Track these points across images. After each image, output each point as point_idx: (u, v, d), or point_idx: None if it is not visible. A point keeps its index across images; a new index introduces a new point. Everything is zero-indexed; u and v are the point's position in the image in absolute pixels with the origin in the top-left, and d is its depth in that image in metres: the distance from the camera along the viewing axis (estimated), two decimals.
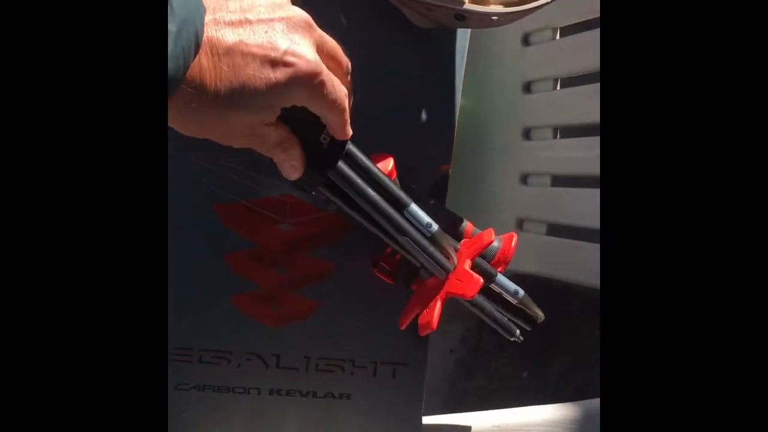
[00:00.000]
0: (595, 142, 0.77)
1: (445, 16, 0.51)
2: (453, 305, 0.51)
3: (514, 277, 0.55)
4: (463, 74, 0.58)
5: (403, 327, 0.52)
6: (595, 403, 0.63)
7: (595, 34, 0.76)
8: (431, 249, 0.48)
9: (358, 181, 0.45)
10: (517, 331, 0.52)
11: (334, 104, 0.40)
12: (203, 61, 0.35)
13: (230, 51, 0.35)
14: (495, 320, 0.51)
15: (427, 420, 0.59)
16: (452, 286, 0.49)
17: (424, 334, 0.50)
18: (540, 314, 0.54)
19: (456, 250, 0.51)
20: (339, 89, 0.40)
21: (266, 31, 0.37)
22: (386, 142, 0.55)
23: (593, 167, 0.77)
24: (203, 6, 0.35)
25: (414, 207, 0.47)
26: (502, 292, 0.52)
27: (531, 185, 0.85)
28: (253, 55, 0.36)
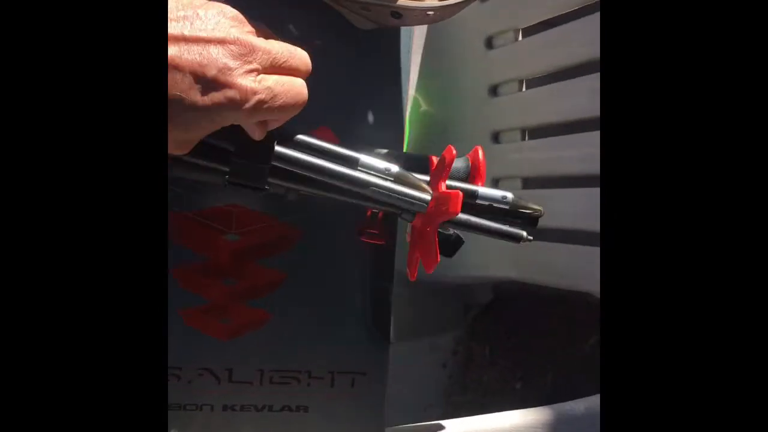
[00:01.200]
0: (563, 141, 0.76)
1: (382, 14, 0.51)
2: (441, 318, 0.49)
3: (494, 284, 0.53)
4: (410, 73, 0.58)
5: (413, 278, 0.50)
6: (565, 406, 0.61)
7: (557, 33, 0.76)
8: (400, 188, 0.46)
9: (302, 156, 0.44)
10: (524, 233, 0.50)
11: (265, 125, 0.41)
12: None
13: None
14: (493, 231, 0.49)
15: (390, 431, 0.57)
16: (438, 213, 0.47)
17: (431, 270, 0.48)
18: (539, 208, 0.51)
19: (427, 183, 0.49)
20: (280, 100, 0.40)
21: (200, 53, 0.36)
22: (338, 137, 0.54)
23: (563, 167, 0.76)
24: None
25: (365, 158, 0.46)
26: (490, 204, 0.50)
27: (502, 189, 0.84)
28: (183, 74, 0.35)
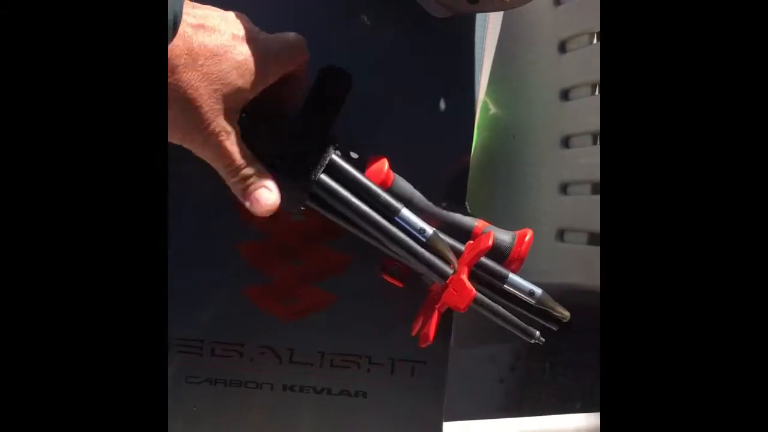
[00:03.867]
0: None
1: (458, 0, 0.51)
2: (502, 329, 0.49)
3: (557, 288, 0.52)
4: (482, 64, 0.57)
5: (414, 333, 0.50)
6: None
7: None
8: (426, 256, 0.46)
9: (343, 192, 0.44)
10: (537, 333, 0.49)
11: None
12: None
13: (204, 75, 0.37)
14: (507, 321, 0.49)
15: (448, 426, 0.56)
16: (448, 296, 0.46)
17: (422, 346, 0.48)
18: (565, 313, 0.50)
19: (459, 254, 0.48)
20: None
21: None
22: (404, 136, 0.54)
23: None
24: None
25: (405, 212, 0.46)
26: (516, 293, 0.49)
27: (571, 194, 0.82)
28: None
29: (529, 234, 0.51)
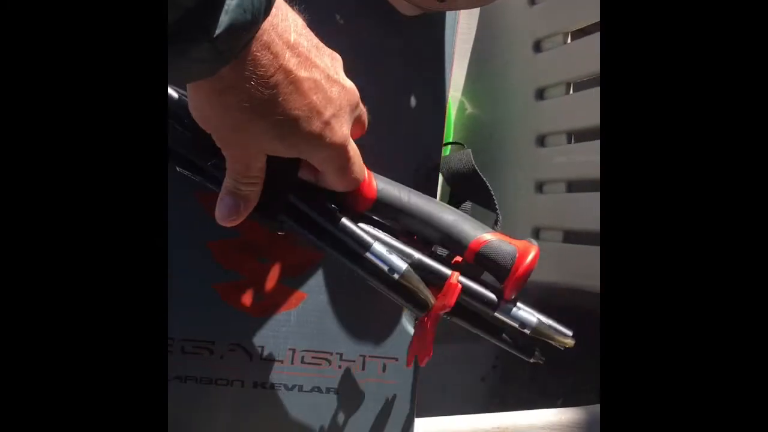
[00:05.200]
0: None
1: None
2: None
3: (534, 287, 0.49)
4: (453, 61, 0.58)
5: (410, 365, 0.51)
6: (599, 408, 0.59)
7: None
8: (400, 292, 0.45)
9: (308, 235, 0.45)
10: (536, 352, 0.48)
11: (345, 177, 0.42)
12: (278, 49, 0.34)
13: (303, 77, 0.35)
14: (504, 341, 0.47)
15: (420, 422, 0.56)
16: (437, 307, 0.45)
17: (423, 364, 0.47)
18: (568, 342, 0.46)
19: (438, 288, 0.45)
20: (357, 167, 0.42)
21: (330, 89, 0.38)
22: (375, 134, 0.54)
23: None
24: None
25: (377, 248, 0.43)
26: (507, 321, 0.46)
27: (546, 193, 0.83)
28: (308, 100, 0.36)
29: (532, 253, 0.45)
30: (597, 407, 0.59)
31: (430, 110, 0.57)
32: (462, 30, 0.92)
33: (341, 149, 0.40)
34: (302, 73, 0.35)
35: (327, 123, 0.38)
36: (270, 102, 0.35)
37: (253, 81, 0.33)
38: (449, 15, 0.57)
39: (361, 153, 0.44)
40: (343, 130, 0.39)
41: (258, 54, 0.33)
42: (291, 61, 0.34)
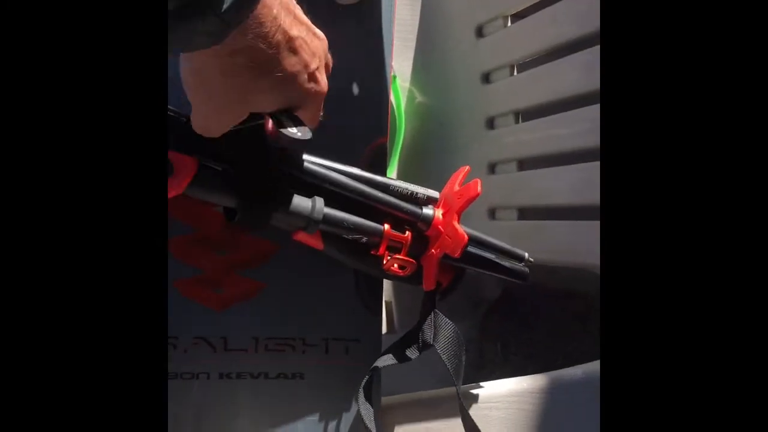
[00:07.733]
0: (556, 120, 0.76)
1: None
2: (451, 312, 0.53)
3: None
4: (392, 46, 0.59)
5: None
6: (563, 372, 0.60)
7: (546, 14, 0.76)
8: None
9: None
10: (525, 256, 0.57)
11: (318, 115, 0.45)
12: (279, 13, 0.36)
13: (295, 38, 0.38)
14: (500, 269, 0.55)
15: (387, 400, 0.58)
16: (443, 242, 0.50)
17: (427, 290, 0.54)
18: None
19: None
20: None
21: (314, 44, 0.41)
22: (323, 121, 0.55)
23: (557, 145, 0.77)
24: None
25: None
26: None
27: (498, 173, 0.84)
28: (299, 57, 0.39)
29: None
30: (564, 371, 0.60)
31: (373, 97, 0.58)
32: (405, 20, 0.93)
33: (324, 95, 0.43)
34: (294, 32, 0.38)
35: (313, 75, 0.41)
36: (272, 61, 0.37)
37: (260, 42, 0.36)
38: (385, 2, 0.58)
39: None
40: (324, 79, 0.43)
41: (262, 18, 0.35)
42: (286, 21, 0.37)
